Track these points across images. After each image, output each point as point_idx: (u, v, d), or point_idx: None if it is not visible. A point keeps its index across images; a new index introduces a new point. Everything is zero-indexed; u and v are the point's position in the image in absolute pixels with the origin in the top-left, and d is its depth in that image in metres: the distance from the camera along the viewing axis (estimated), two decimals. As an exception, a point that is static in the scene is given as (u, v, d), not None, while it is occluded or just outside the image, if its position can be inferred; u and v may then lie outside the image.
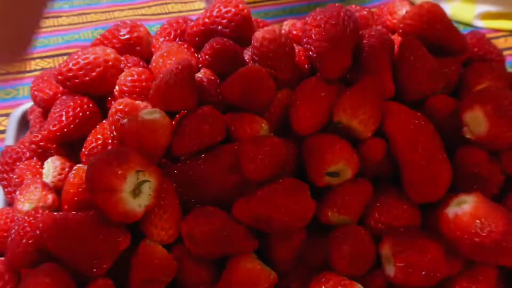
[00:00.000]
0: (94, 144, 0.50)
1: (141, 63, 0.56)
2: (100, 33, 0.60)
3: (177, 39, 0.58)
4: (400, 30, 0.55)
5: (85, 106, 0.51)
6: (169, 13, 0.94)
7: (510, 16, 0.80)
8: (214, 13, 0.54)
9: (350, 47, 0.50)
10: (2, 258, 0.46)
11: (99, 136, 0.50)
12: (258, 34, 0.51)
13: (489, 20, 0.81)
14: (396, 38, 0.54)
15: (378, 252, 0.45)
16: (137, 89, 0.51)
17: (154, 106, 0.48)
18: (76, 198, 0.46)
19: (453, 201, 0.43)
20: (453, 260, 0.43)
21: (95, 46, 0.55)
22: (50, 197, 0.48)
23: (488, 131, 0.45)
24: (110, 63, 0.53)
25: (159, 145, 0.45)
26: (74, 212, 0.43)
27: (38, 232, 0.43)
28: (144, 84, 0.51)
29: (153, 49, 0.58)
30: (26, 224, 0.45)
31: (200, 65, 0.53)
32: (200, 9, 0.94)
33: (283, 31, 0.51)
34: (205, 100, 0.49)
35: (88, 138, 0.50)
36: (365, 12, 0.60)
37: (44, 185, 0.49)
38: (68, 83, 0.52)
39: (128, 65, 0.55)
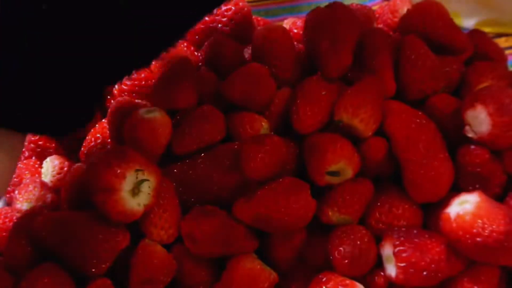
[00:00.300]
0: (93, 143, 0.49)
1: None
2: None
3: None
4: (401, 29, 0.54)
5: (84, 105, 0.51)
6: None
7: (497, 22, 0.79)
8: (215, 12, 0.54)
9: (351, 46, 0.49)
10: (1, 258, 0.46)
11: (98, 135, 0.50)
12: (259, 33, 0.51)
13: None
14: (397, 37, 0.53)
15: (379, 252, 0.45)
16: (136, 88, 0.51)
17: (154, 104, 0.47)
18: (75, 198, 0.46)
19: (455, 200, 0.43)
20: (455, 260, 0.43)
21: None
22: (49, 197, 0.48)
23: (490, 130, 0.44)
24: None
25: (158, 144, 0.45)
26: (73, 212, 0.43)
27: (36, 231, 0.42)
28: (143, 82, 0.51)
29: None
30: (24, 224, 0.45)
31: (200, 63, 0.53)
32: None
33: (283, 30, 0.51)
34: (205, 98, 0.49)
35: (87, 137, 0.50)
36: (366, 11, 0.60)
37: (43, 184, 0.49)
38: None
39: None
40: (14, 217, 0.47)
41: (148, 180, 0.41)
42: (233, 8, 0.53)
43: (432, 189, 0.45)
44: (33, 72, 0.34)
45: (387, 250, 0.44)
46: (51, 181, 0.49)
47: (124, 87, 0.51)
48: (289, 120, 0.48)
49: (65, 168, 0.50)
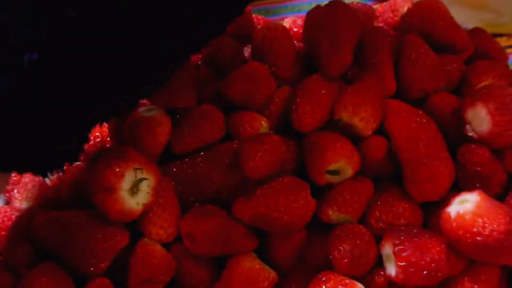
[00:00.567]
0: (92, 142, 0.49)
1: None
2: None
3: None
4: (402, 28, 0.54)
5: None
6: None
7: (494, 25, 0.79)
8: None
9: (351, 45, 0.49)
10: (0, 257, 0.46)
11: (98, 134, 0.50)
12: (259, 32, 0.50)
13: None
14: (398, 36, 0.53)
15: (379, 251, 0.44)
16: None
17: (153, 103, 0.47)
18: (74, 197, 0.46)
19: (455, 200, 0.43)
20: (455, 259, 0.43)
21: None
22: (48, 196, 0.48)
23: (490, 129, 0.44)
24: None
25: (157, 143, 0.45)
26: (72, 211, 0.43)
27: (36, 230, 0.42)
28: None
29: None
30: (23, 223, 0.45)
31: (199, 62, 0.53)
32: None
33: (283, 29, 0.51)
34: (204, 97, 0.49)
35: (86, 136, 0.50)
36: (366, 9, 0.59)
37: (42, 183, 0.49)
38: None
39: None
40: (13, 216, 0.47)
41: (147, 179, 0.41)
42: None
43: (432, 188, 0.45)
44: (22, 103, 0.32)
45: (387, 250, 0.43)
46: (50, 180, 0.49)
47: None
48: (289, 119, 0.48)
49: (64, 167, 0.50)
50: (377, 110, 0.46)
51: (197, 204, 0.45)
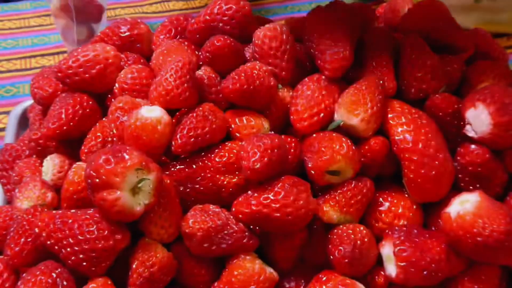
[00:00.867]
0: (93, 142, 0.49)
1: (141, 60, 0.55)
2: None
3: (178, 37, 0.57)
4: (402, 28, 0.54)
5: (85, 104, 0.51)
6: (170, 10, 0.94)
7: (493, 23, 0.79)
8: (215, 11, 0.54)
9: (352, 45, 0.49)
10: (1, 257, 0.46)
11: (99, 134, 0.50)
12: (259, 32, 0.50)
13: None
14: (398, 36, 0.53)
15: (379, 251, 0.45)
16: (137, 87, 0.51)
17: (154, 103, 0.47)
18: (75, 196, 0.46)
19: (455, 200, 0.43)
20: (455, 259, 0.43)
21: (95, 44, 0.55)
22: (49, 195, 0.48)
23: (490, 130, 0.44)
24: (110, 60, 0.52)
25: (159, 143, 0.45)
26: (73, 210, 0.43)
27: (37, 230, 0.42)
28: (144, 81, 0.51)
29: (153, 47, 0.57)
30: (25, 223, 0.45)
31: (200, 63, 0.53)
32: (201, 7, 0.94)
33: (284, 29, 0.51)
34: (205, 98, 0.49)
35: (87, 136, 0.50)
36: (367, 10, 0.59)
37: (43, 183, 0.49)
38: (68, 80, 0.52)
39: (128, 62, 0.54)
40: (15, 216, 0.47)
41: (148, 179, 0.41)
42: (234, 7, 0.53)
43: (433, 189, 0.45)
44: None
45: (387, 250, 0.44)
46: (52, 180, 0.49)
47: (125, 86, 0.51)
48: (289, 119, 0.48)
49: (66, 167, 0.50)
50: (378, 110, 0.46)
51: (197, 204, 0.45)
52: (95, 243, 0.41)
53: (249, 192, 0.44)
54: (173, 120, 0.47)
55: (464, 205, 0.42)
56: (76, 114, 0.50)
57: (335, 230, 0.44)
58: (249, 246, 0.44)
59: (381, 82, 0.48)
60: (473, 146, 0.46)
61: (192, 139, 0.46)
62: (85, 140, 0.50)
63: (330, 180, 0.45)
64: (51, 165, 0.50)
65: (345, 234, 0.44)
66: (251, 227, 0.44)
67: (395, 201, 0.46)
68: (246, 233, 0.44)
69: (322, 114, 0.47)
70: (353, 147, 0.45)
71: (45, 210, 0.46)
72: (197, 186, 0.46)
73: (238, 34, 0.53)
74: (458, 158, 0.46)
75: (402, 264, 0.42)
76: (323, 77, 0.49)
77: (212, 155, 0.46)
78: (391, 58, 0.50)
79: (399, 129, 0.46)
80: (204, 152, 0.47)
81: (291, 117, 0.48)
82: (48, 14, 0.93)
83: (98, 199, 0.40)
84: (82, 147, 0.50)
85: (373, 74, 0.49)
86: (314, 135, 0.46)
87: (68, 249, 0.41)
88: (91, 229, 0.41)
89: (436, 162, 0.44)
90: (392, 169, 0.47)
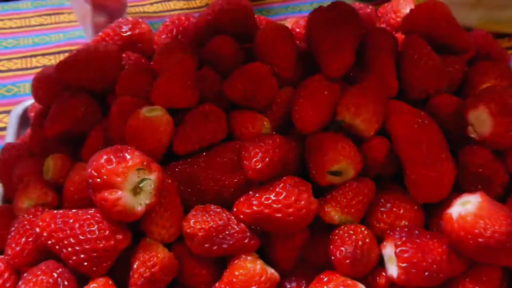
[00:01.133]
0: (94, 142, 0.49)
1: (142, 60, 0.56)
2: (102, 30, 0.60)
3: (179, 36, 0.57)
4: (404, 29, 0.54)
5: (86, 103, 0.51)
6: (171, 10, 0.94)
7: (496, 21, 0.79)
8: (217, 10, 0.54)
9: (353, 45, 0.49)
10: (2, 256, 0.46)
11: (100, 133, 0.50)
12: (261, 32, 0.50)
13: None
14: (400, 36, 0.53)
15: (380, 252, 0.44)
16: (139, 86, 0.51)
17: (156, 103, 0.47)
18: (76, 196, 0.46)
19: (457, 201, 0.43)
20: (457, 260, 0.43)
21: (97, 43, 0.55)
22: (50, 195, 0.48)
23: (492, 131, 0.44)
24: (111, 60, 0.52)
25: (160, 143, 0.45)
26: (74, 210, 0.43)
27: (38, 230, 0.42)
28: (145, 81, 0.51)
29: (155, 46, 0.57)
30: (26, 222, 0.45)
31: (202, 62, 0.53)
32: (202, 7, 0.94)
33: (286, 29, 0.51)
34: (207, 97, 0.49)
35: (89, 136, 0.50)
36: (368, 10, 0.60)
37: (44, 182, 0.49)
38: (69, 80, 0.52)
39: (130, 62, 0.54)
40: (16, 215, 0.47)
41: (150, 179, 0.41)
42: (235, 7, 0.53)
43: (434, 190, 0.45)
44: None
45: (389, 250, 0.43)
46: (53, 179, 0.49)
47: (126, 86, 0.51)
48: (291, 120, 0.48)
49: (67, 167, 0.50)
50: (379, 111, 0.46)
51: (199, 204, 0.45)
52: (96, 243, 0.41)
53: (251, 192, 0.44)
54: (174, 120, 0.47)
55: (466, 206, 0.42)
56: (77, 114, 0.50)
57: (337, 231, 0.44)
58: (250, 246, 0.44)
59: (382, 82, 0.48)
60: (474, 147, 0.46)
61: (193, 139, 0.46)
62: (86, 139, 0.50)
63: (332, 181, 0.45)
64: (52, 165, 0.50)
65: (346, 234, 0.44)
66: (252, 227, 0.44)
67: (397, 201, 0.46)
68: (247, 234, 0.44)
69: (323, 114, 0.47)
70: (355, 147, 0.45)
71: (46, 209, 0.46)
72: (198, 186, 0.46)
73: (240, 34, 0.53)
74: (460, 158, 0.46)
75: (403, 265, 0.42)
76: (325, 77, 0.49)
77: (213, 155, 0.46)
78: (393, 59, 0.50)
79: (401, 130, 0.46)
80: (205, 152, 0.47)
81: (293, 117, 0.48)
82: (49, 13, 0.93)
83: (99, 199, 0.40)
84: (83, 147, 0.50)
85: (375, 74, 0.49)
86: (316, 135, 0.46)
87: (69, 249, 0.41)
88: (92, 229, 0.41)
89: (438, 163, 0.44)
90: (394, 170, 0.47)
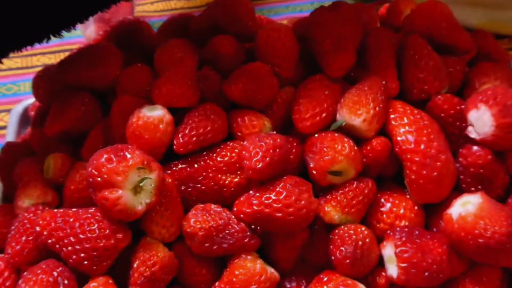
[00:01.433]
0: (95, 141, 0.49)
1: (143, 59, 0.55)
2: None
3: (180, 35, 0.57)
4: (405, 29, 0.54)
5: (87, 102, 0.51)
6: (172, 9, 0.94)
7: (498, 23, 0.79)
8: (217, 10, 0.54)
9: (354, 45, 0.49)
10: (2, 255, 0.46)
11: (100, 132, 0.50)
12: (262, 32, 0.50)
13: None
14: (401, 37, 0.53)
15: (380, 252, 0.45)
16: (139, 85, 0.51)
17: (156, 103, 0.47)
18: (76, 195, 0.46)
19: (457, 201, 0.43)
20: (457, 261, 0.43)
21: (97, 42, 0.55)
22: (50, 194, 0.48)
23: (493, 131, 0.44)
24: (112, 59, 0.52)
25: (160, 142, 0.45)
26: (75, 209, 0.43)
27: (38, 229, 0.42)
28: (146, 80, 0.51)
29: (155, 45, 0.57)
30: (26, 221, 0.45)
31: (202, 62, 0.53)
32: (203, 6, 0.94)
33: (286, 29, 0.51)
34: (207, 97, 0.49)
35: (89, 135, 0.50)
36: (369, 10, 0.59)
37: (45, 181, 0.49)
38: (69, 79, 0.52)
39: (130, 61, 0.54)
40: (16, 214, 0.47)
41: (150, 178, 0.41)
42: (236, 6, 0.53)
43: (435, 190, 0.45)
44: None
45: (389, 250, 0.44)
46: (53, 179, 0.49)
47: (127, 85, 0.51)
48: (292, 119, 0.48)
49: (67, 166, 0.50)
50: (380, 111, 0.46)
51: (199, 203, 0.45)
52: (96, 242, 0.41)
53: (251, 192, 0.44)
54: (175, 120, 0.47)
55: (466, 206, 0.42)
56: (77, 113, 0.50)
57: (337, 231, 0.44)
58: (250, 246, 0.44)
59: (383, 82, 0.48)
60: (475, 148, 0.46)
61: (194, 139, 0.46)
62: (87, 139, 0.50)
63: (332, 181, 0.45)
64: (52, 164, 0.50)
65: (346, 234, 0.44)
66: (253, 227, 0.44)
67: (397, 202, 0.46)
68: (248, 233, 0.44)
69: (324, 114, 0.47)
70: (355, 148, 0.45)
71: (46, 208, 0.46)
72: (199, 185, 0.46)
73: (240, 34, 0.53)
74: (460, 159, 0.46)
75: (403, 265, 0.42)
76: (326, 77, 0.49)
77: (214, 155, 0.46)
78: (394, 59, 0.50)
79: (401, 130, 0.46)
80: (205, 151, 0.47)
81: (293, 117, 0.48)
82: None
83: (100, 198, 0.40)
84: (84, 146, 0.50)
85: (376, 74, 0.49)
86: (316, 135, 0.46)
87: (69, 248, 0.41)
88: (93, 228, 0.41)
89: (438, 163, 0.44)
90: (394, 170, 0.47)
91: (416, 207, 0.46)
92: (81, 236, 0.41)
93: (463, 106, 0.47)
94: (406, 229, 0.44)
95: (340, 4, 0.52)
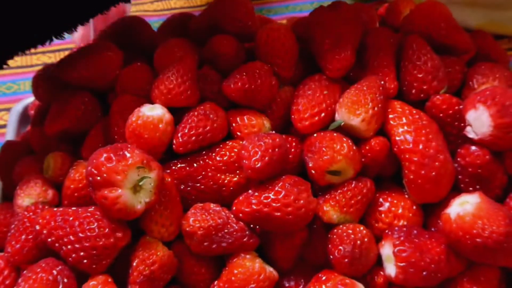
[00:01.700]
0: (95, 140, 0.49)
1: (142, 58, 0.56)
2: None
3: (180, 35, 0.57)
4: (404, 29, 0.54)
5: (86, 102, 0.51)
6: (172, 9, 0.94)
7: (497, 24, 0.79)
8: (217, 9, 0.54)
9: (354, 45, 0.49)
10: (2, 254, 0.46)
11: (100, 131, 0.50)
12: (262, 31, 0.51)
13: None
14: (400, 37, 0.53)
15: (379, 251, 0.45)
16: (139, 85, 0.51)
17: (156, 102, 0.47)
18: (76, 194, 0.46)
19: (455, 201, 0.43)
20: (455, 260, 0.43)
21: (96, 42, 0.55)
22: (50, 193, 0.48)
23: (491, 132, 0.44)
24: (112, 58, 0.52)
25: (160, 141, 0.45)
26: (74, 208, 0.43)
27: (38, 227, 0.43)
28: (146, 79, 0.51)
29: (155, 45, 0.57)
30: (26, 220, 0.45)
31: (202, 61, 0.53)
32: (203, 5, 0.94)
33: (286, 28, 0.51)
34: (207, 96, 0.49)
35: (89, 134, 0.50)
36: (369, 10, 0.59)
37: (44, 180, 0.49)
38: (69, 78, 0.52)
39: (130, 60, 0.54)
40: (15, 213, 0.47)
41: (149, 177, 0.41)
42: (236, 6, 0.53)
43: (433, 190, 0.45)
44: None
45: (387, 250, 0.44)
46: (53, 177, 0.49)
47: (127, 84, 0.51)
48: (291, 119, 0.48)
49: (67, 164, 0.50)
50: (379, 111, 0.46)
51: (198, 202, 0.45)
52: (96, 240, 0.41)
53: (250, 191, 0.44)
54: (175, 119, 0.47)
55: (464, 206, 0.42)
56: (77, 112, 0.51)
57: (335, 230, 0.44)
58: (249, 245, 0.44)
59: (382, 82, 0.48)
60: (473, 148, 0.46)
61: (193, 138, 0.46)
62: (87, 138, 0.50)
63: (331, 180, 0.45)
64: (52, 163, 0.50)
65: (345, 234, 0.44)
66: (252, 226, 0.44)
67: (395, 201, 0.46)
68: (247, 232, 0.44)
69: (323, 114, 0.47)
70: (354, 147, 0.45)
71: (46, 207, 0.46)
72: (198, 184, 0.46)
73: (240, 33, 0.53)
74: (458, 159, 0.46)
75: (401, 264, 0.42)
76: (325, 77, 0.49)
77: (213, 154, 0.47)
78: (393, 59, 0.50)
79: (400, 130, 0.46)
80: (205, 151, 0.47)
81: (292, 116, 0.48)
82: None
83: (99, 197, 0.40)
84: (84, 145, 0.50)
85: (375, 74, 0.49)
86: (315, 135, 0.46)
87: (69, 247, 0.41)
88: (92, 226, 0.41)
89: (437, 163, 0.44)
90: (393, 170, 0.48)
91: (414, 207, 0.46)
92: (80, 234, 0.41)
93: (461, 106, 0.47)
94: (405, 229, 0.44)
95: (340, 4, 0.52)
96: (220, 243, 0.43)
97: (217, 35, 0.52)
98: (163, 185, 0.43)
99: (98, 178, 0.40)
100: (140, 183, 0.41)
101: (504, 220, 0.41)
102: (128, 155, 0.41)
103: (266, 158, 0.43)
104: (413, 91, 0.49)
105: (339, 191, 0.45)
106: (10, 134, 0.64)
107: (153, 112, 0.45)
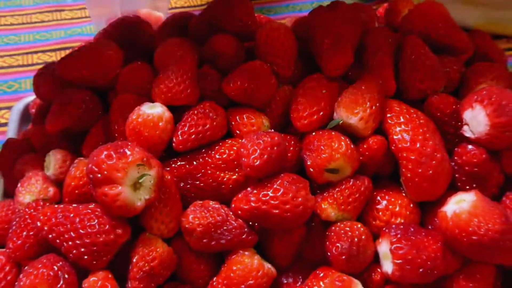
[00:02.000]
0: (95, 138, 0.50)
1: (143, 57, 0.56)
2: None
3: (180, 34, 0.58)
4: (403, 29, 0.55)
5: (87, 100, 0.52)
6: (172, 8, 0.95)
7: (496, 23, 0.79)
8: (217, 9, 0.54)
9: (353, 45, 0.50)
10: (3, 250, 0.46)
11: (101, 130, 0.50)
12: (261, 31, 0.51)
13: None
14: (399, 37, 0.54)
15: (376, 248, 0.45)
16: (139, 84, 0.51)
17: (156, 100, 0.48)
18: (77, 191, 0.46)
19: (452, 199, 0.43)
20: (451, 258, 0.43)
21: (98, 40, 0.56)
22: (51, 190, 0.49)
23: (487, 131, 0.45)
24: (112, 57, 0.53)
25: (160, 139, 0.46)
26: (75, 205, 0.44)
27: (39, 224, 0.43)
28: (146, 78, 0.52)
29: (155, 44, 0.58)
30: (27, 216, 0.45)
31: (202, 60, 0.53)
32: (203, 5, 0.94)
33: (285, 28, 0.51)
34: (206, 95, 0.50)
35: (90, 132, 0.51)
36: (367, 10, 0.60)
37: (45, 177, 0.49)
38: (70, 76, 0.52)
39: (130, 59, 0.55)
40: (17, 210, 0.48)
41: (149, 174, 0.41)
42: (235, 5, 0.54)
43: (430, 188, 0.45)
44: None
45: (384, 247, 0.44)
46: (54, 175, 0.50)
47: (127, 83, 0.51)
48: (290, 118, 0.49)
49: (68, 162, 0.50)
50: (377, 110, 0.46)
51: (197, 200, 0.46)
52: (96, 237, 0.41)
53: (249, 188, 0.44)
54: (174, 117, 0.47)
55: (460, 204, 0.42)
56: (78, 111, 0.51)
57: (333, 227, 0.45)
58: (248, 242, 0.44)
59: (380, 82, 0.48)
60: (470, 147, 0.46)
61: (193, 136, 0.46)
62: (87, 135, 0.50)
63: (329, 178, 0.45)
64: (53, 160, 0.50)
65: (342, 231, 0.44)
66: (250, 223, 0.45)
67: (393, 199, 0.46)
68: (245, 229, 0.44)
69: (321, 113, 0.47)
70: (352, 146, 0.45)
71: (47, 204, 0.46)
72: (197, 182, 0.46)
73: (240, 33, 0.54)
74: (455, 158, 0.47)
75: (398, 261, 0.42)
76: (324, 76, 0.49)
77: (213, 152, 0.47)
78: (391, 59, 0.51)
79: (397, 129, 0.46)
80: (204, 149, 0.47)
81: (291, 115, 0.48)
82: (50, 10, 0.94)
83: (100, 194, 0.41)
84: (84, 143, 0.50)
85: (373, 74, 0.49)
86: (314, 133, 0.47)
87: (70, 243, 0.42)
88: (93, 223, 0.42)
89: (434, 162, 0.45)
90: (390, 168, 0.48)
91: (411, 205, 0.46)
92: (81, 231, 0.41)
93: (459, 106, 0.48)
94: (402, 226, 0.44)
95: (339, 4, 0.52)
96: (219, 240, 0.44)
97: (217, 35, 0.52)
98: (163, 183, 0.43)
99: (99, 175, 0.40)
100: (140, 181, 0.41)
101: (499, 218, 0.41)
102: (128, 152, 0.41)
103: (265, 156, 0.43)
104: (411, 90, 0.50)
105: (337, 189, 0.45)
106: (11, 132, 0.64)
107: (153, 110, 0.46)
